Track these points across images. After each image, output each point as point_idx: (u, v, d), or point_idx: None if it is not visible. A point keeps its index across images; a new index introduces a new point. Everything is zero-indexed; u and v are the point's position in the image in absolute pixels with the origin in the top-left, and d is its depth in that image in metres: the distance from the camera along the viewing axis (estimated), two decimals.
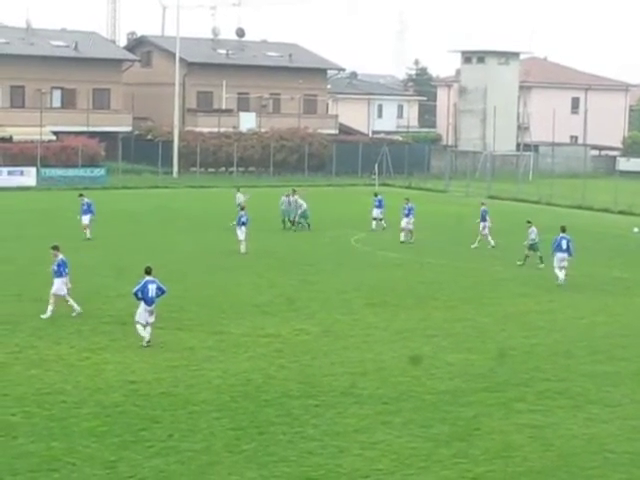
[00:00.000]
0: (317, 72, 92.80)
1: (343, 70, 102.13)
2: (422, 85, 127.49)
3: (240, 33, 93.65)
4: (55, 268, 27.69)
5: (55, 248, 28.30)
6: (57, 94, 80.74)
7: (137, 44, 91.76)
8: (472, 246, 43.99)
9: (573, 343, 26.79)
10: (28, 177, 68.74)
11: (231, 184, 69.81)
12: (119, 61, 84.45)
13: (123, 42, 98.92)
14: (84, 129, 77.26)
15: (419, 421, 19.78)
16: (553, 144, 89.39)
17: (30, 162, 69.85)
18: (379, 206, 49.55)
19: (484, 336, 27.33)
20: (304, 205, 48.91)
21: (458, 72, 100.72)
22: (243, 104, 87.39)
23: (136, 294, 25.04)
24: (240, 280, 34.68)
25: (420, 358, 24.32)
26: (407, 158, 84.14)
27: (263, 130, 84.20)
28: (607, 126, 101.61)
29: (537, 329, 28.43)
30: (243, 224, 41.19)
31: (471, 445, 18.51)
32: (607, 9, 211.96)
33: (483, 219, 44.69)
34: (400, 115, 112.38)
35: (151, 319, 25.04)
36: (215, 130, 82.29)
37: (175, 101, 79.75)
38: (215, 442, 18.28)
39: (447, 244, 45.46)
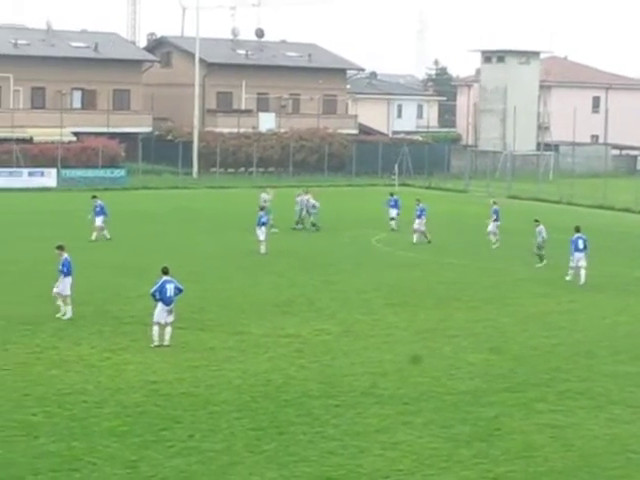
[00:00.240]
0: (336, 72, 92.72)
1: (362, 70, 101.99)
2: (442, 85, 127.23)
3: (259, 33, 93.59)
4: (60, 267, 27.87)
5: (60, 248, 28.43)
6: (77, 95, 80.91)
7: (157, 45, 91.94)
8: (493, 247, 43.94)
9: (595, 343, 26.68)
10: (49, 178, 68.90)
11: (251, 184, 69.94)
12: (139, 62, 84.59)
13: (143, 43, 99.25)
14: (104, 130, 77.37)
15: (440, 421, 19.75)
16: (574, 144, 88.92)
17: (50, 163, 69.98)
18: (394, 206, 49.42)
19: (505, 336, 27.27)
20: (317, 204, 48.75)
21: (478, 72, 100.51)
22: (262, 104, 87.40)
23: (154, 295, 25.09)
24: (260, 280, 34.72)
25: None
26: (427, 158, 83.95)
27: (282, 130, 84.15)
28: (628, 125, 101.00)
29: (558, 329, 28.33)
30: (263, 224, 41.22)
31: (492, 445, 18.47)
32: (628, 8, 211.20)
33: (495, 218, 44.74)
34: (420, 115, 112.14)
35: (170, 318, 25.07)
36: (235, 130, 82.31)
37: (195, 102, 79.81)
38: (236, 442, 18.30)
39: (467, 244, 45.36)
